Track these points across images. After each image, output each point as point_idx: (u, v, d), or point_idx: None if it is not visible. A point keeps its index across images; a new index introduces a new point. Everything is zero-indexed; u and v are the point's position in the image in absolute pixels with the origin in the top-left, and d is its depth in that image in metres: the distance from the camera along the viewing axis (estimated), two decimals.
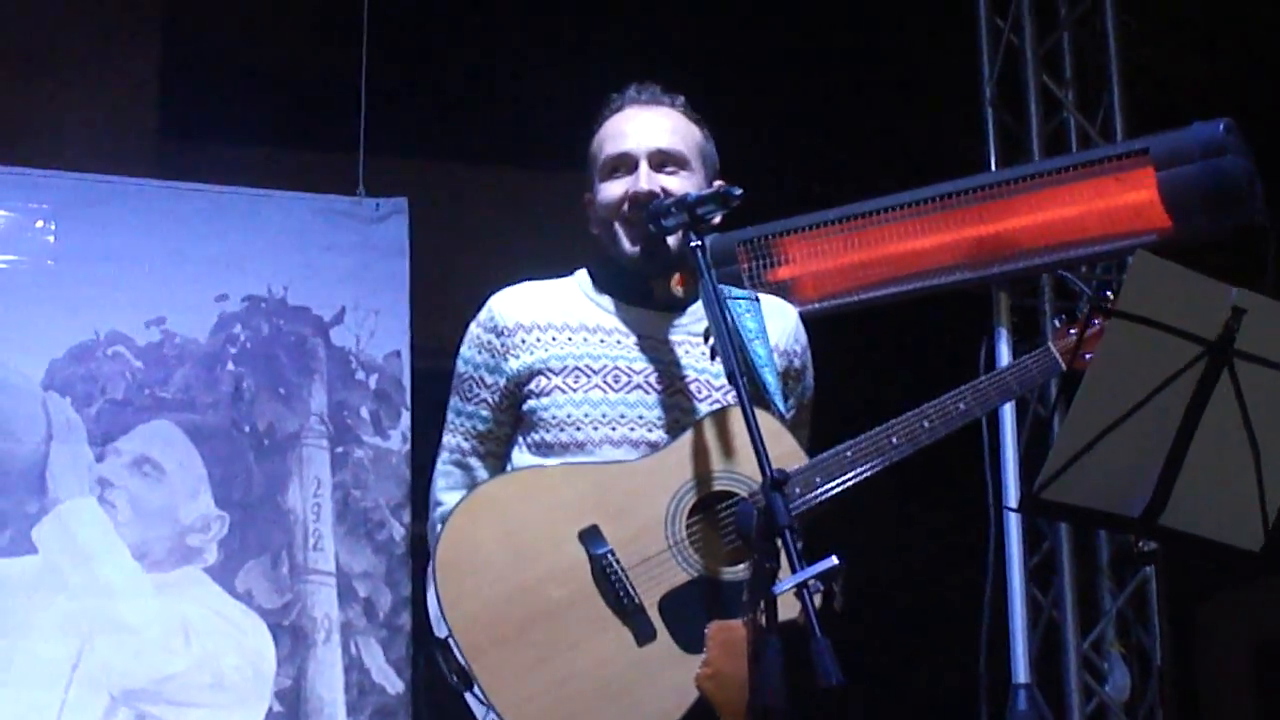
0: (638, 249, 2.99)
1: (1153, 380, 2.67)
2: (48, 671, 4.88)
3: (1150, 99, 5.65)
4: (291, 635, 5.14)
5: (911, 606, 6.69)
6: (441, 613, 2.74)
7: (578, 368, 2.98)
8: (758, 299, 3.14)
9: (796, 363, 3.12)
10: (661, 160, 3.01)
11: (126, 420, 5.15)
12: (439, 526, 2.89)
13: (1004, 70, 5.66)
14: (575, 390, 2.97)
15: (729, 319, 2.75)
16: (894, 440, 2.88)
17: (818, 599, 2.44)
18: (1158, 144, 4.61)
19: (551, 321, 3.04)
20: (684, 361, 3.00)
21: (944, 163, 5.09)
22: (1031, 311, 5.43)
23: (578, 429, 2.95)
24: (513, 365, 3.02)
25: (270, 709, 5.07)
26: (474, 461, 3.08)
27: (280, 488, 5.25)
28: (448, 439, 3.11)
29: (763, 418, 2.74)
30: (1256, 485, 2.75)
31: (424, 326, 5.53)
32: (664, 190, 2.97)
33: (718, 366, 2.75)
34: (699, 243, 2.84)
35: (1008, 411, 5.07)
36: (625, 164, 3.02)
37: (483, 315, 3.10)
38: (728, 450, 2.86)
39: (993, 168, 5.50)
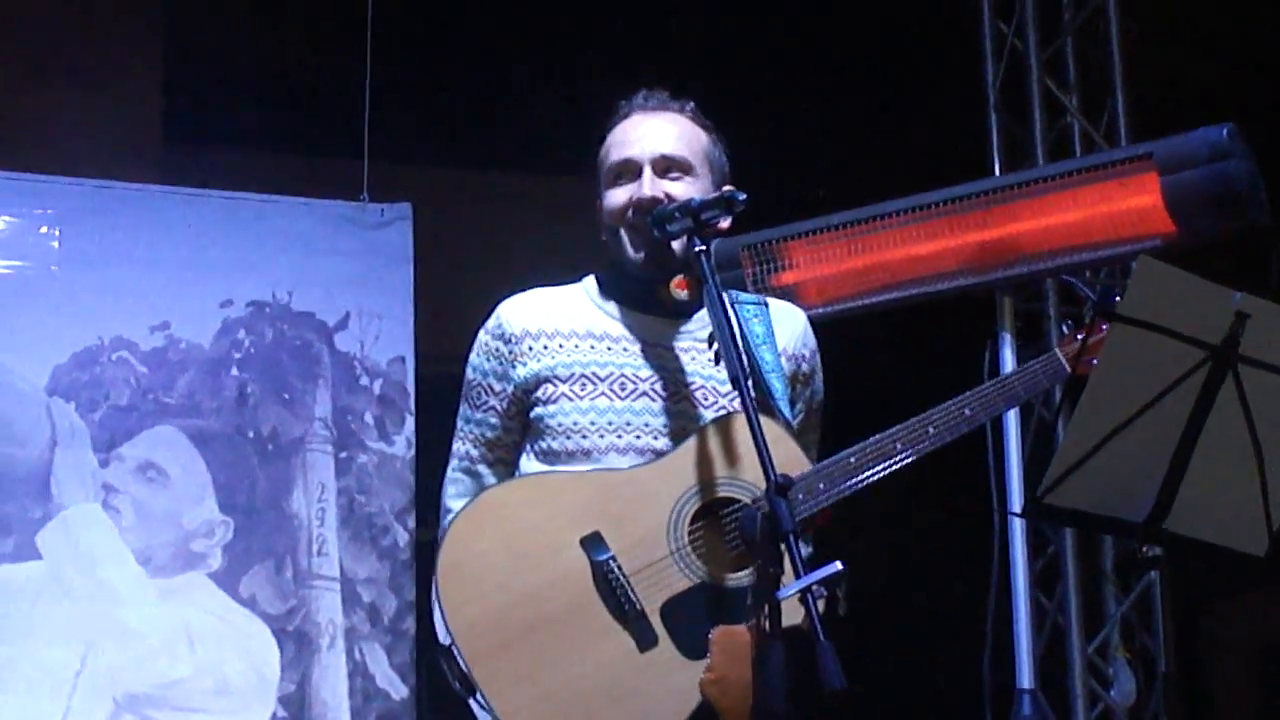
0: (642, 255, 2.99)
1: (1157, 385, 2.67)
2: (52, 677, 4.88)
3: (1154, 104, 5.64)
4: (296, 641, 5.14)
5: (915, 611, 6.69)
6: (443, 619, 2.75)
7: (584, 375, 2.98)
8: (766, 303, 3.13)
9: (805, 367, 3.11)
10: (666, 166, 3.00)
11: (131, 426, 5.15)
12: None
13: (1008, 75, 5.66)
14: (582, 398, 2.96)
15: (733, 324, 2.75)
16: (899, 446, 2.88)
17: (821, 604, 2.44)
18: (1161, 149, 4.61)
19: (559, 329, 3.04)
20: (690, 368, 2.99)
21: (948, 167, 5.09)
22: (1035, 316, 5.44)
23: (584, 436, 2.95)
24: (521, 373, 3.02)
25: (274, 715, 5.07)
26: (483, 469, 3.08)
27: (284, 493, 5.25)
28: (457, 446, 3.12)
29: (766, 424, 2.74)
30: (1260, 490, 2.74)
31: (428, 332, 5.53)
32: (668, 196, 2.96)
33: (724, 372, 2.76)
34: (702, 247, 2.84)
35: (1012, 416, 5.07)
36: (630, 170, 3.02)
37: (491, 323, 3.10)
38: (731, 457, 2.86)
39: (997, 172, 5.50)
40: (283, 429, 5.28)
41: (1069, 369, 3.02)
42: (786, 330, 3.10)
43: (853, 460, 2.86)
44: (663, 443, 2.93)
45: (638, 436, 2.94)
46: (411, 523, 5.31)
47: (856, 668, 2.36)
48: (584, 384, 2.98)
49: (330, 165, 5.96)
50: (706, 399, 2.97)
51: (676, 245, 2.94)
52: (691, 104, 3.11)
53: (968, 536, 4.83)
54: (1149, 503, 2.74)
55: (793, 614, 2.43)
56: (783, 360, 3.05)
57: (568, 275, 3.18)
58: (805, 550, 2.98)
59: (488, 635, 2.74)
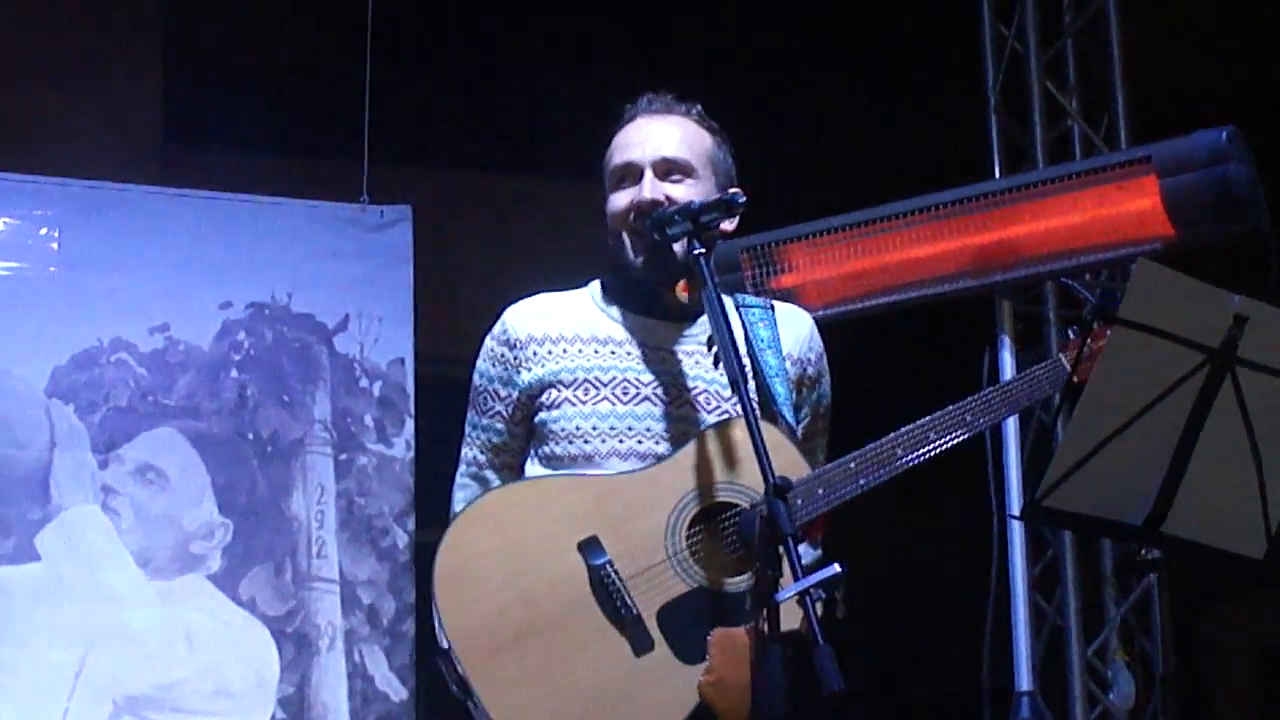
0: (641, 258, 2.99)
1: (1155, 388, 2.67)
2: (51, 679, 4.88)
3: (1154, 107, 5.64)
4: (295, 642, 5.14)
5: (914, 614, 6.69)
6: (441, 623, 2.75)
7: (587, 380, 2.98)
8: (772, 307, 3.12)
9: (810, 370, 3.10)
10: (667, 169, 3.00)
11: (130, 427, 5.15)
12: None
13: (1008, 78, 5.66)
14: (585, 403, 2.96)
15: (731, 327, 2.75)
16: (899, 452, 2.86)
17: (820, 607, 2.44)
18: (1161, 152, 4.61)
19: (563, 334, 3.04)
20: (693, 372, 2.99)
21: (947, 170, 5.09)
22: (1035, 319, 5.44)
23: (586, 441, 2.95)
24: (525, 378, 3.02)
25: (274, 716, 5.07)
26: (490, 474, 3.09)
27: (284, 495, 5.25)
28: (464, 451, 3.12)
29: (766, 429, 2.74)
30: (1259, 493, 2.74)
31: (428, 333, 5.54)
32: (668, 199, 2.96)
33: (726, 376, 2.75)
34: (701, 250, 2.84)
35: (1011, 419, 5.07)
36: (631, 173, 3.02)
37: (496, 328, 3.10)
38: (730, 461, 2.85)
39: (996, 175, 5.51)
40: (282, 431, 5.28)
41: (1072, 374, 3.01)
42: (792, 334, 3.10)
43: (853, 465, 2.85)
44: (664, 447, 2.92)
45: (639, 441, 2.94)
46: (411, 525, 5.31)
47: (855, 670, 2.36)
48: (587, 389, 2.98)
49: (330, 167, 5.96)
50: (709, 403, 2.97)
51: (677, 248, 2.93)
52: (698, 107, 3.10)
53: (967, 539, 4.82)
54: (1147, 505, 2.73)
55: (791, 617, 2.43)
56: (787, 364, 3.04)
57: (568, 278, 3.19)
58: (813, 554, 2.99)
59: (484, 639, 2.74)
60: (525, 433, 3.06)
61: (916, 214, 4.94)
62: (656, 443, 2.93)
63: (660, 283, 3.01)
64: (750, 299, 3.14)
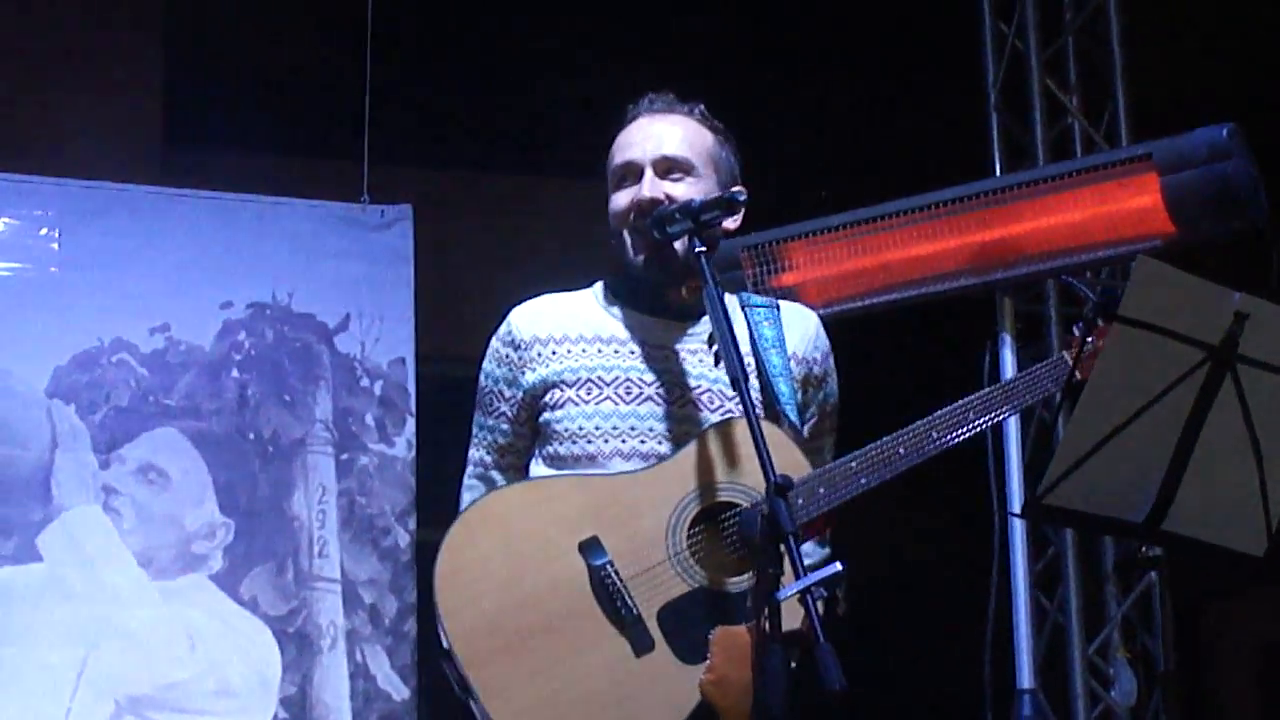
0: (641, 257, 2.99)
1: (1156, 385, 2.67)
2: (53, 679, 4.88)
3: (1154, 104, 5.64)
4: (297, 642, 5.15)
5: (915, 612, 6.69)
6: (442, 625, 2.75)
7: (590, 379, 2.98)
8: (778, 306, 3.12)
9: (817, 370, 3.10)
10: (668, 167, 3.00)
11: (131, 427, 5.15)
12: None
13: (1008, 75, 5.66)
14: (588, 402, 2.96)
15: (732, 325, 2.74)
16: (901, 451, 2.86)
17: (821, 605, 2.44)
18: (1161, 149, 4.61)
19: (567, 334, 3.04)
20: (696, 371, 2.99)
21: (948, 168, 5.09)
22: (1036, 317, 5.44)
23: (589, 441, 2.95)
24: (529, 378, 3.03)
25: (275, 716, 5.07)
26: (496, 475, 3.09)
27: (285, 495, 5.25)
28: (472, 452, 3.13)
29: (767, 428, 2.74)
30: (1260, 490, 2.74)
31: (429, 333, 5.54)
32: (668, 197, 2.96)
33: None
34: (702, 249, 2.84)
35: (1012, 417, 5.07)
36: (632, 173, 3.02)
37: (501, 329, 3.10)
38: (732, 461, 2.85)
39: (997, 173, 5.50)
40: (283, 431, 5.28)
41: (1073, 372, 3.00)
42: (797, 333, 3.09)
43: (854, 465, 2.85)
44: (667, 447, 2.92)
45: (642, 441, 2.94)
46: (412, 524, 5.31)
47: (857, 668, 2.36)
48: (590, 388, 2.98)
49: (331, 167, 5.96)
50: (712, 402, 2.97)
51: (678, 246, 2.93)
52: (700, 106, 3.10)
53: (967, 537, 4.82)
54: (1148, 503, 2.73)
55: (793, 615, 2.43)
56: (792, 364, 3.04)
57: (569, 277, 3.19)
58: (822, 553, 3.00)
59: (484, 640, 2.74)
60: (531, 433, 3.06)
61: (917, 212, 4.94)
62: (659, 442, 2.93)
63: (662, 281, 3.01)
64: (756, 298, 3.14)
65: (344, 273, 5.45)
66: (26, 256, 5.16)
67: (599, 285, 3.13)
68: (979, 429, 2.91)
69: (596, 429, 2.95)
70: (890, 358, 6.11)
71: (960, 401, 2.91)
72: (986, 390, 2.95)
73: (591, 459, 2.94)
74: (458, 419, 3.23)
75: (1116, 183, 4.69)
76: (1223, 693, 8.15)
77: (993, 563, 4.53)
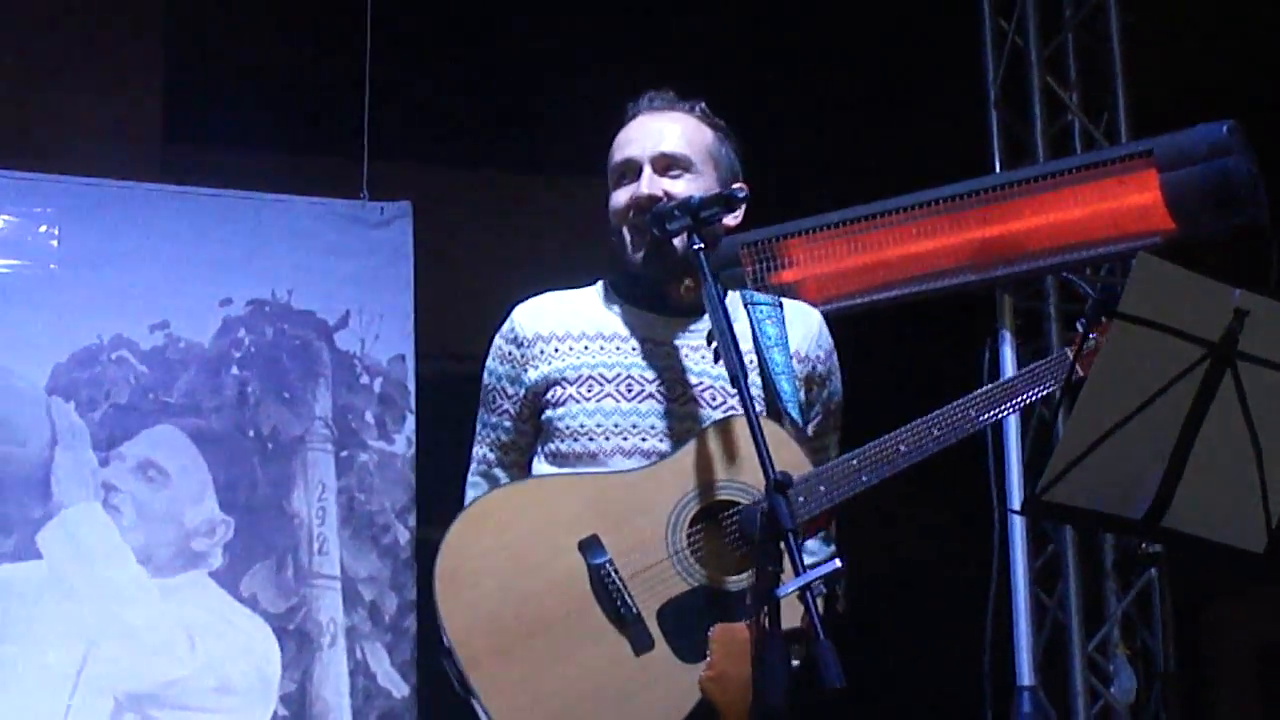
0: (640, 254, 2.99)
1: (1155, 382, 2.67)
2: (53, 676, 4.88)
3: (1154, 101, 5.64)
4: (297, 639, 5.15)
5: (915, 609, 6.69)
6: (442, 623, 2.75)
7: (591, 377, 2.98)
8: (781, 304, 3.12)
9: (820, 368, 3.10)
10: (666, 164, 3.00)
11: (131, 425, 5.15)
12: None
13: (1008, 72, 5.66)
14: (589, 399, 2.96)
15: (730, 322, 2.74)
16: (902, 449, 2.85)
17: (820, 602, 2.44)
18: (1161, 146, 4.61)
19: (569, 331, 3.04)
20: (699, 368, 2.99)
21: (948, 165, 5.09)
22: (1036, 314, 5.43)
23: (590, 439, 2.95)
24: (532, 376, 3.03)
25: (275, 713, 5.07)
26: (499, 472, 3.09)
27: (285, 492, 5.25)
28: (475, 450, 3.13)
29: (768, 426, 2.74)
30: (1259, 487, 2.74)
31: (428, 330, 5.53)
32: (667, 194, 2.96)
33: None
34: (701, 245, 2.84)
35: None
36: (631, 170, 3.02)
37: (505, 326, 3.11)
38: (731, 459, 2.85)
39: (997, 170, 5.50)
40: (283, 428, 5.28)
41: (1077, 369, 3.00)
42: (800, 331, 3.09)
43: (855, 462, 2.84)
44: (668, 444, 2.92)
45: (643, 439, 2.94)
46: (412, 521, 5.31)
47: (856, 665, 2.36)
48: (591, 385, 2.98)
49: (330, 164, 5.96)
50: (714, 399, 2.96)
51: (677, 243, 2.93)
52: (701, 104, 3.10)
53: (967, 534, 4.83)
54: (1148, 500, 2.73)
55: (793, 613, 2.43)
56: (794, 362, 3.04)
57: (568, 274, 3.19)
58: (827, 550, 2.99)
59: (484, 639, 2.74)
60: (533, 430, 3.06)
61: (917, 209, 4.94)
62: (660, 440, 2.93)
63: (661, 278, 3.01)
64: (759, 296, 3.14)
65: (344, 270, 5.45)
66: (26, 254, 5.16)
67: (601, 283, 3.13)
68: (981, 426, 2.91)
69: (598, 426, 2.95)
70: (889, 355, 6.11)
71: (962, 399, 2.91)
72: (988, 387, 2.95)
73: (593, 456, 2.94)
74: (457, 416, 3.23)
75: (1116, 179, 4.69)
76: (1222, 690, 8.15)
77: (992, 559, 4.53)
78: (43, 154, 5.48)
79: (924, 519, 6.57)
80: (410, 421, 5.38)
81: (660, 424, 2.94)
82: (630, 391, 2.97)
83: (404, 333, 5.44)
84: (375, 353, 5.41)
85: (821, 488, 2.81)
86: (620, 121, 3.11)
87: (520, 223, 6.88)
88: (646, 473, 2.88)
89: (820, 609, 2.39)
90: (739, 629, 2.69)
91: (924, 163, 5.21)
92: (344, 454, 5.31)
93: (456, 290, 6.17)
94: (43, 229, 5.18)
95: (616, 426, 2.94)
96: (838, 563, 2.39)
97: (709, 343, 2.91)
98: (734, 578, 2.79)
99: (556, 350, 3.02)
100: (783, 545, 2.45)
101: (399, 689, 5.18)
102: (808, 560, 2.63)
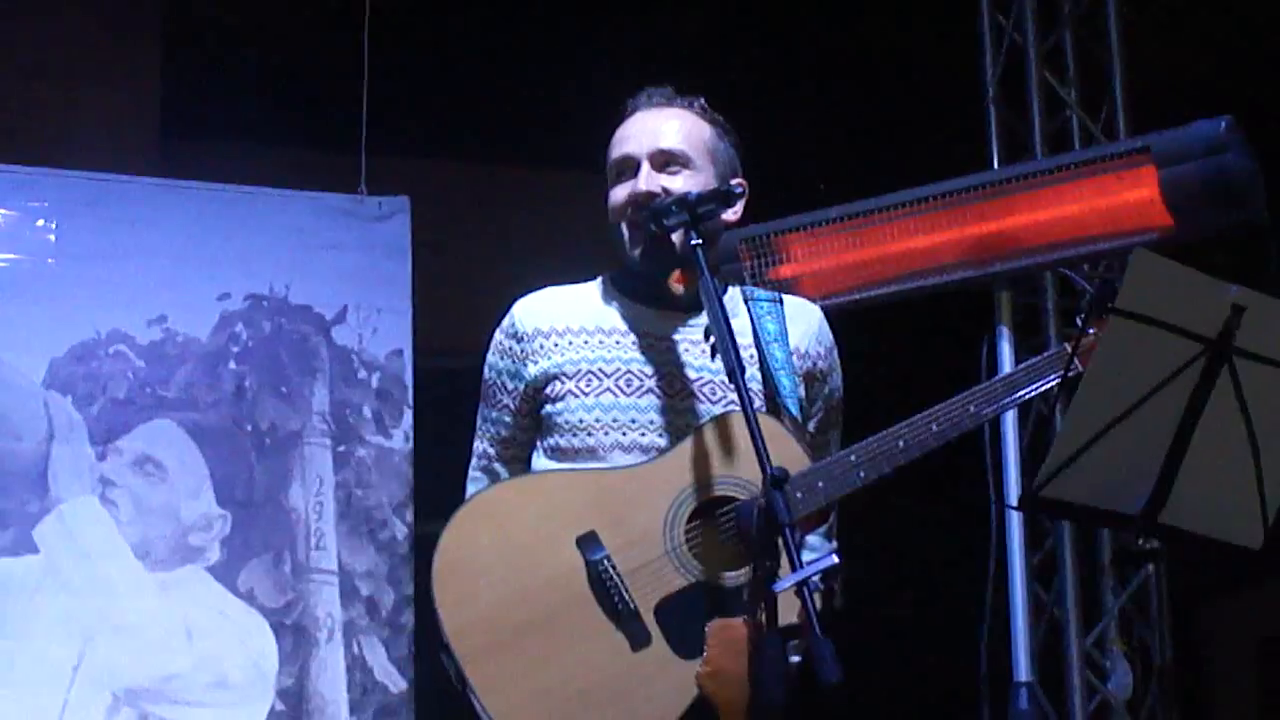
0: (639, 250, 2.99)
1: (1153, 378, 2.67)
2: (50, 671, 4.88)
3: (1152, 97, 5.64)
4: (294, 634, 5.14)
5: (913, 604, 6.69)
6: (439, 619, 2.75)
7: (591, 371, 2.99)
8: (781, 300, 3.12)
9: (821, 365, 3.10)
10: (664, 160, 3.00)
11: (128, 419, 5.14)
12: None
13: (1007, 68, 5.66)
14: (588, 394, 2.97)
15: (728, 317, 2.74)
16: (900, 444, 2.85)
17: (818, 597, 2.44)
18: (1159, 142, 4.61)
19: (569, 326, 3.04)
20: (698, 363, 2.99)
21: (946, 161, 5.09)
22: (1034, 310, 5.44)
23: (589, 434, 2.95)
24: (532, 370, 3.03)
25: (273, 708, 5.07)
26: (499, 466, 3.10)
27: (282, 487, 5.25)
28: (476, 444, 3.14)
29: (767, 422, 2.74)
30: (1256, 483, 2.74)
31: (426, 325, 5.53)
32: (665, 190, 2.96)
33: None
34: (698, 241, 2.84)
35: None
36: (629, 167, 3.02)
37: (505, 321, 3.11)
38: (729, 455, 2.85)
39: (995, 166, 5.50)
40: (280, 422, 5.27)
41: (1069, 364, 3.00)
42: (800, 328, 3.09)
43: (854, 458, 2.85)
44: (666, 439, 2.93)
45: (642, 434, 2.94)
46: (410, 516, 5.30)
47: (853, 661, 2.36)
48: (590, 380, 2.98)
49: (328, 158, 5.95)
50: (714, 394, 2.97)
51: (675, 239, 2.93)
52: (700, 100, 3.11)
53: (965, 529, 4.83)
54: (1145, 495, 2.74)
55: (790, 608, 2.43)
56: (794, 359, 3.04)
57: (566, 269, 3.19)
58: (829, 546, 2.99)
59: (482, 635, 2.74)
60: (533, 425, 3.06)
61: (915, 204, 4.94)
62: (659, 435, 2.93)
63: (660, 274, 3.01)
64: (759, 292, 3.14)
65: (341, 264, 5.44)
66: (23, 248, 5.15)
67: (602, 278, 3.14)
68: (981, 421, 2.91)
69: (597, 421, 2.95)
70: (887, 351, 6.11)
71: (961, 394, 2.91)
72: (988, 383, 2.95)
73: (591, 451, 2.94)
74: (455, 411, 3.24)
75: (1114, 175, 4.69)
76: (1219, 686, 8.16)
77: (990, 555, 4.54)
78: (40, 148, 5.47)
79: (922, 514, 6.56)
80: (408, 416, 5.38)
81: (659, 419, 2.94)
82: (629, 386, 2.97)
83: (402, 327, 5.44)
84: (373, 347, 5.41)
85: (820, 483, 2.81)
86: (619, 117, 3.11)
87: (518, 218, 6.88)
88: (644, 469, 2.88)
89: (818, 604, 2.39)
90: (736, 624, 2.69)
91: (922, 158, 5.21)
92: (341, 449, 5.31)
93: (454, 285, 6.17)
94: (40, 223, 5.17)
95: (615, 421, 2.95)
96: (835, 558, 2.39)
97: (707, 338, 2.91)
98: (732, 573, 2.79)
99: (556, 345, 3.03)
100: (780, 540, 2.45)
101: (396, 684, 5.18)
102: (809, 556, 2.64)
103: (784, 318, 3.08)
